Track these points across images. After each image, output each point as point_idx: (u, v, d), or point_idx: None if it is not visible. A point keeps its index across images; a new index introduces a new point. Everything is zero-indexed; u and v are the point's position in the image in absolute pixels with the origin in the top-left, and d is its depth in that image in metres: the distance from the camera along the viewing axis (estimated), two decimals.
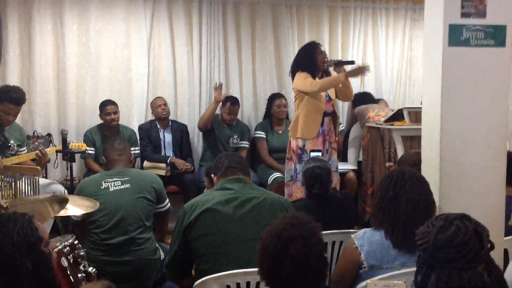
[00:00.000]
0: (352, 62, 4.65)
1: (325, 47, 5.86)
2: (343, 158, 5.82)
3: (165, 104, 5.35)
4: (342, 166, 5.50)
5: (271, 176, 5.27)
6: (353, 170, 5.56)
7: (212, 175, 2.96)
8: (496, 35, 2.66)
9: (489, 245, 1.58)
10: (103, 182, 3.35)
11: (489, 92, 2.70)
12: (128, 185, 3.37)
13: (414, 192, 2.43)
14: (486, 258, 1.57)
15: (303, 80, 4.31)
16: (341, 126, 5.83)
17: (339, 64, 4.47)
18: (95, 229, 3.29)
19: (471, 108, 2.69)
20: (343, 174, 5.39)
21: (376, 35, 6.13)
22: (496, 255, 2.72)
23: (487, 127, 2.71)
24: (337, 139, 4.67)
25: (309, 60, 4.43)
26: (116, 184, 3.36)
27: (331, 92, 4.49)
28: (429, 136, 2.78)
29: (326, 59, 4.48)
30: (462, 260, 1.53)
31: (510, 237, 2.77)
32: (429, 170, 2.78)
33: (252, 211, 2.71)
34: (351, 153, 5.78)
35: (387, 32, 6.15)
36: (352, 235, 2.53)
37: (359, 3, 6.01)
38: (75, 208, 3.07)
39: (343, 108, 6.11)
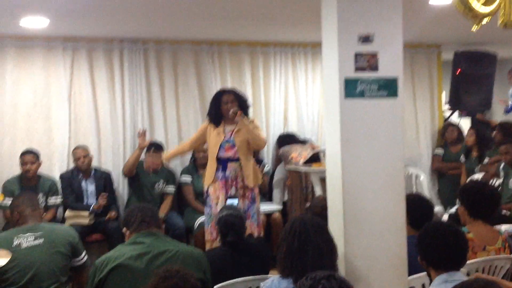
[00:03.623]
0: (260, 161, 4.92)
1: (248, 91, 6.07)
2: (269, 198, 5.92)
3: (85, 156, 5.25)
4: (268, 207, 5.60)
5: (198, 220, 5.28)
6: (278, 210, 5.65)
7: (125, 229, 2.96)
8: (388, 86, 2.86)
9: None
10: (15, 238, 3.26)
11: (385, 139, 2.87)
12: (41, 240, 3.29)
13: (318, 239, 2.52)
14: None
15: None
16: (266, 166, 5.95)
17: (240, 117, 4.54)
18: (8, 286, 3.19)
19: (369, 156, 2.85)
20: (269, 215, 5.48)
21: (296, 78, 6.34)
22: None
23: (385, 173, 2.87)
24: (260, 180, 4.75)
25: (214, 110, 4.64)
26: (29, 240, 3.27)
27: (239, 140, 4.56)
28: (332, 183, 2.91)
29: (232, 109, 4.55)
30: None
31: (413, 276, 2.91)
32: (334, 216, 2.90)
33: (164, 265, 2.72)
34: (276, 193, 5.88)
35: (307, 75, 6.37)
36: (261, 284, 2.60)
37: (279, 48, 6.22)
38: None
39: (268, 149, 6.23)
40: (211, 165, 4.59)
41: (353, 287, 1.66)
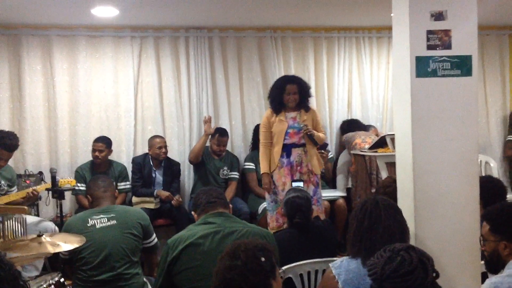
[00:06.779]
0: (324, 146, 4.94)
1: (311, 77, 6.03)
2: (332, 185, 5.88)
3: (166, 146, 5.40)
4: (332, 193, 5.57)
5: (261, 206, 5.32)
6: (342, 196, 5.61)
7: (193, 212, 3.04)
8: (462, 65, 2.76)
9: (434, 274, 1.63)
10: (89, 219, 3.39)
11: (458, 120, 2.79)
12: (114, 222, 3.41)
13: (389, 220, 2.47)
14: (432, 287, 1.62)
15: (260, 128, 4.80)
16: (330, 153, 5.91)
17: (308, 137, 4.59)
18: (82, 266, 3.32)
19: (442, 136, 2.77)
20: (332, 201, 5.45)
21: (360, 63, 6.24)
22: (474, 279, 2.79)
23: (458, 154, 2.79)
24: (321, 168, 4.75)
25: (276, 98, 4.66)
26: (102, 221, 3.40)
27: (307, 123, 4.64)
28: (403, 164, 2.85)
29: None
30: None
31: None
32: (404, 197, 2.85)
33: None
34: (339, 180, 5.83)
35: (371, 60, 6.27)
36: (330, 264, 2.58)
37: (343, 33, 6.14)
38: (65, 245, 3.10)
39: (331, 135, 6.19)
40: (277, 151, 4.62)
41: (432, 259, 1.63)
